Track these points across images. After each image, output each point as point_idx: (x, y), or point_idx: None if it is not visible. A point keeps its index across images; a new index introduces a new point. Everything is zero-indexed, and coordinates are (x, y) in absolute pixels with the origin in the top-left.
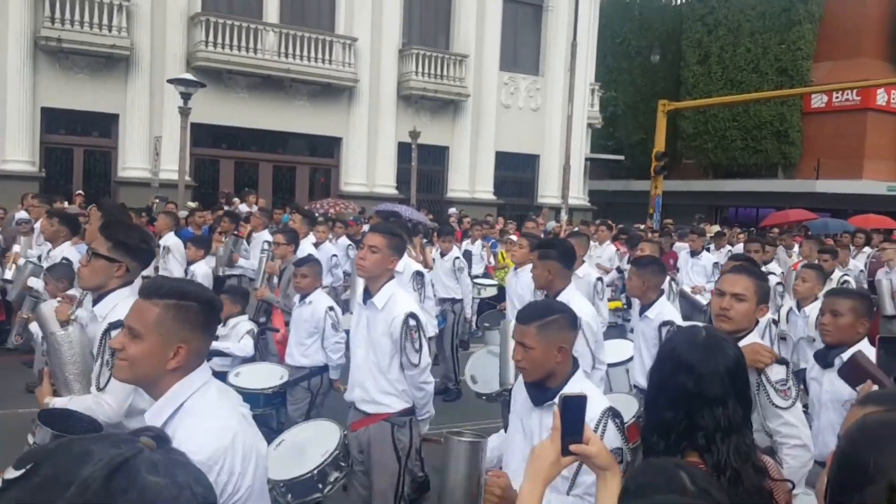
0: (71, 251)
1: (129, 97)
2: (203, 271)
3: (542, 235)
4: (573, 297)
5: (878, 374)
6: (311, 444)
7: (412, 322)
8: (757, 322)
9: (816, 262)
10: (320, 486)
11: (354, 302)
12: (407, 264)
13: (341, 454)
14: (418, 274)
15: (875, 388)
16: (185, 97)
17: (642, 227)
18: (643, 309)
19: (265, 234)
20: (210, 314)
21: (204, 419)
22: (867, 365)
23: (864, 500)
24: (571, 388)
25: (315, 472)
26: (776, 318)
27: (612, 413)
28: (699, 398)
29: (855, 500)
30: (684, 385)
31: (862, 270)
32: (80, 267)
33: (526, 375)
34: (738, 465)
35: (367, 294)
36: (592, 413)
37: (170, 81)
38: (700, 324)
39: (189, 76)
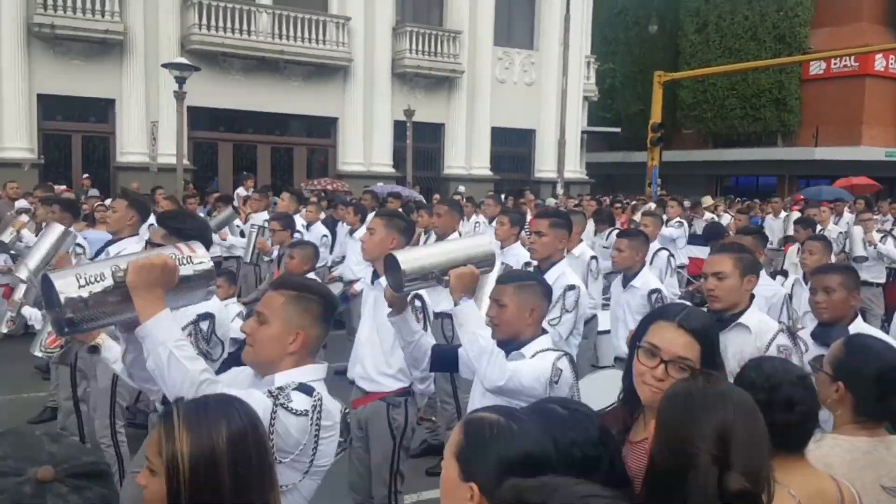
0: (77, 238)
1: (125, 82)
2: None
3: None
4: (566, 270)
5: None
6: None
7: (417, 303)
8: (752, 296)
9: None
10: None
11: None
12: None
13: (342, 428)
14: None
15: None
16: (180, 81)
17: (624, 200)
18: (627, 279)
19: (264, 215)
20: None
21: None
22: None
23: (689, 487)
24: (532, 347)
25: None
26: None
27: (567, 357)
28: None
29: (680, 489)
30: None
31: (841, 232)
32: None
33: (496, 332)
34: None
35: (376, 275)
36: (545, 364)
37: (164, 66)
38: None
39: (183, 60)
